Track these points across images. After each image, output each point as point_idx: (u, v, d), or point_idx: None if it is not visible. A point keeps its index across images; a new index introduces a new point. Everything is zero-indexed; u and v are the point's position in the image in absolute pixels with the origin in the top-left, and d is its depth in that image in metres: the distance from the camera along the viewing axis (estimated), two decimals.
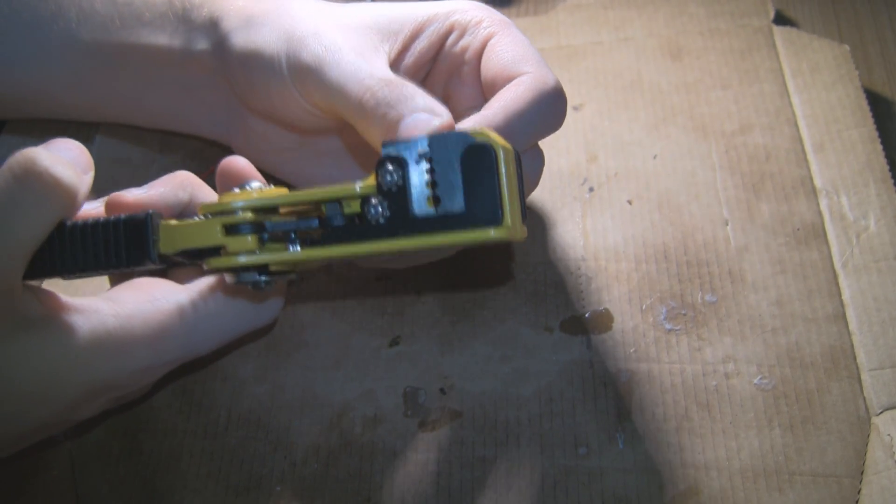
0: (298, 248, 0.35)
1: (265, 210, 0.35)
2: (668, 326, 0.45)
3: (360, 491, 0.42)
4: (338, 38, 0.41)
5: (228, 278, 0.36)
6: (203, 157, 0.53)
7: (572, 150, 0.52)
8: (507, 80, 0.41)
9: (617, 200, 0.50)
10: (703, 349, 0.44)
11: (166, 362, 0.39)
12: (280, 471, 0.43)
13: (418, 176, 0.33)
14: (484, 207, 0.33)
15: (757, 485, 0.40)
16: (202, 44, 0.46)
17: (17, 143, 0.55)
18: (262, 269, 0.36)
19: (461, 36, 0.44)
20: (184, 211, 0.41)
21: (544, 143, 0.52)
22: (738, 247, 0.47)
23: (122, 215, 0.36)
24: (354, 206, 0.34)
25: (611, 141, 0.52)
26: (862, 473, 0.40)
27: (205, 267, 0.36)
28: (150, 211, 0.36)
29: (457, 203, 0.33)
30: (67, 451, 0.44)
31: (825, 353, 0.44)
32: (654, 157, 0.51)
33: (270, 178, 0.51)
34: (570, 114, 0.53)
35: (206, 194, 0.42)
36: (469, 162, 0.33)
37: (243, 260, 0.35)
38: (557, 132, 0.52)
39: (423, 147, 0.33)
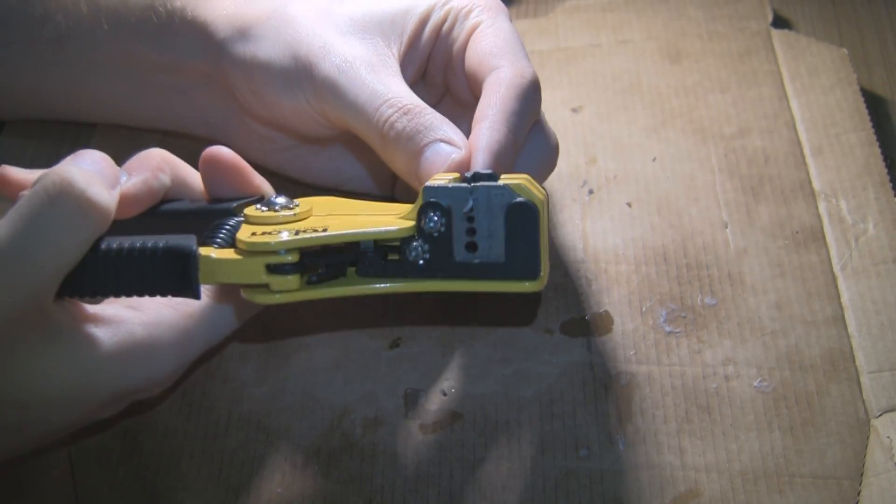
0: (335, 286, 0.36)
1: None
2: (667, 329, 0.45)
3: (362, 493, 0.42)
4: (348, 53, 0.41)
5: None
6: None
7: (571, 153, 0.52)
8: (485, 73, 0.41)
9: (616, 203, 0.50)
10: (703, 352, 0.44)
11: (190, 363, 0.39)
12: (281, 473, 0.43)
13: (460, 223, 0.35)
14: (523, 261, 0.34)
15: (757, 487, 0.40)
16: (193, 53, 0.46)
17: (16, 144, 0.55)
18: None
19: (452, 26, 0.44)
20: (166, 196, 0.41)
21: None
22: (738, 249, 0.48)
23: (162, 242, 0.35)
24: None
25: (610, 143, 0.52)
26: (862, 475, 0.40)
27: (243, 294, 0.37)
28: (195, 247, 0.35)
29: (497, 254, 0.35)
30: (67, 452, 0.44)
31: (824, 356, 0.44)
32: (654, 159, 0.51)
33: (272, 175, 0.51)
34: (569, 116, 0.53)
35: (187, 173, 0.42)
36: (511, 216, 0.34)
37: (285, 298, 0.36)
38: (557, 134, 0.53)
39: (467, 199, 0.34)
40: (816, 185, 0.49)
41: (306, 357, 0.46)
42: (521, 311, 0.47)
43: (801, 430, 0.42)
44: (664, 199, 0.50)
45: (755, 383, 0.43)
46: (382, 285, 0.36)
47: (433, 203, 0.34)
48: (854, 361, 0.43)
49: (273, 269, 0.35)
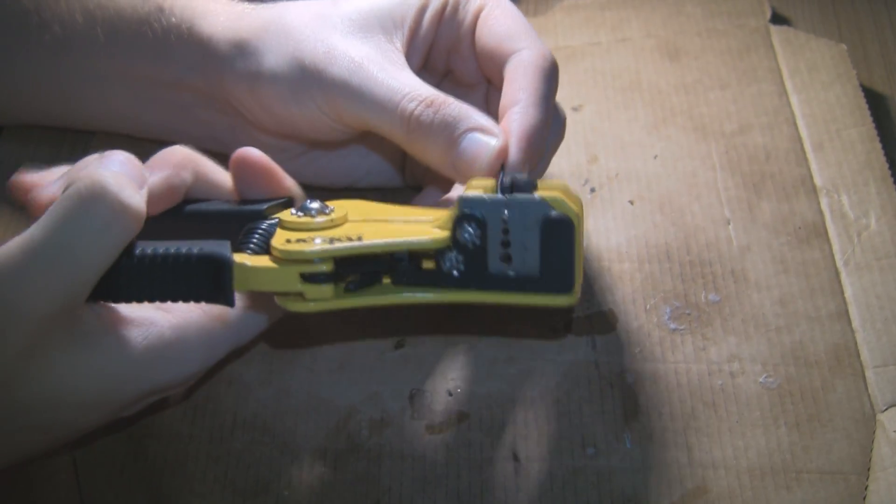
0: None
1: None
2: (672, 326, 0.45)
3: (369, 494, 0.42)
4: (353, 54, 0.40)
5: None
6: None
7: (573, 151, 0.52)
8: (505, 55, 0.41)
9: (618, 201, 0.50)
10: (708, 349, 0.44)
11: (215, 362, 0.39)
12: (287, 475, 0.43)
13: (495, 235, 0.34)
14: (557, 275, 0.34)
15: (765, 483, 0.40)
16: (192, 71, 0.45)
17: (15, 149, 0.55)
18: None
19: (455, 11, 0.44)
20: (188, 193, 0.41)
21: None
22: (741, 246, 0.48)
23: (196, 249, 0.35)
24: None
25: (611, 142, 0.52)
26: (868, 470, 0.40)
27: (277, 301, 0.37)
28: (230, 255, 0.35)
29: (532, 267, 0.35)
30: (72, 456, 0.44)
31: (829, 351, 0.44)
32: (655, 157, 0.51)
33: None
34: (569, 115, 0.53)
35: (215, 172, 0.41)
36: (546, 230, 0.34)
37: (320, 307, 0.36)
38: None
39: (503, 212, 0.34)
40: (818, 180, 0.49)
41: (311, 358, 0.46)
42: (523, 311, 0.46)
43: (807, 425, 0.42)
44: (666, 196, 0.50)
45: (760, 379, 0.43)
46: (418, 295, 0.36)
47: (469, 215, 0.34)
48: (859, 356, 0.44)
49: (308, 277, 0.35)
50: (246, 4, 0.45)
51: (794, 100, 0.53)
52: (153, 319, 0.36)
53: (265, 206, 0.40)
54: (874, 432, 0.41)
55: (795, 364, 0.44)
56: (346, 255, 0.35)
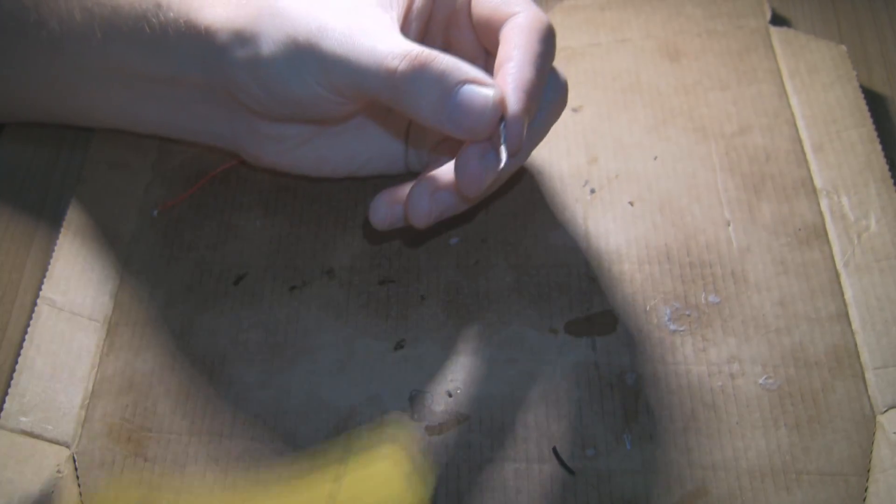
0: None
1: None
2: (672, 327, 0.45)
3: None
4: (346, 26, 0.40)
5: None
6: (204, 161, 0.53)
7: (573, 152, 0.52)
8: (501, 20, 0.41)
9: (618, 202, 0.50)
10: (708, 350, 0.44)
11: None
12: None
13: None
14: None
15: (765, 484, 0.40)
16: (192, 65, 0.45)
17: (15, 147, 0.55)
18: None
19: None
20: None
21: (543, 147, 0.52)
22: (741, 247, 0.48)
23: None
24: None
25: (611, 143, 0.52)
26: (868, 472, 0.40)
27: None
28: None
29: None
30: (71, 456, 0.44)
31: (829, 353, 0.44)
32: (655, 158, 0.51)
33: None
34: (569, 115, 0.53)
35: None
36: None
37: None
38: (558, 135, 0.53)
39: None
40: (818, 182, 0.49)
41: (310, 359, 0.46)
42: (526, 311, 0.47)
43: (807, 426, 0.42)
44: (666, 197, 0.50)
45: (760, 381, 0.43)
46: None
47: None
48: (859, 358, 0.44)
49: None
50: None
51: (794, 101, 0.53)
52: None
53: None
54: (874, 434, 0.41)
55: (795, 365, 0.44)
56: None
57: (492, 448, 0.42)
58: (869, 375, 0.43)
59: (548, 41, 0.41)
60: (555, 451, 0.42)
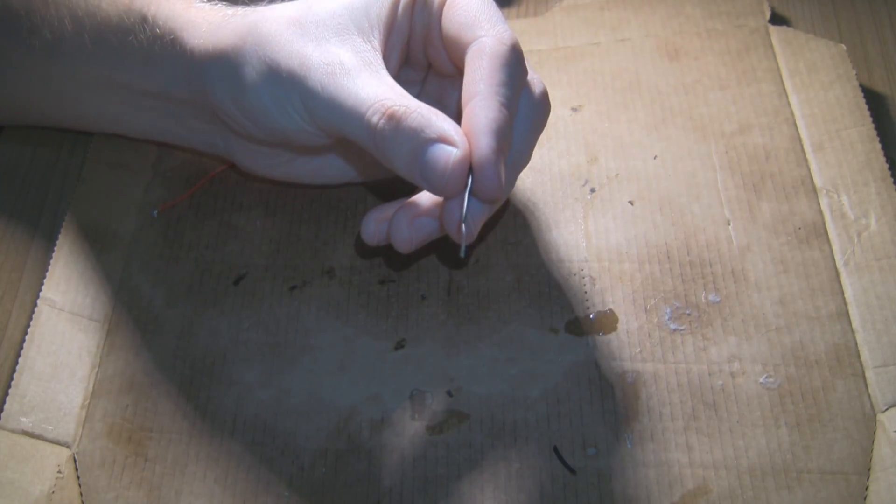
0: None
1: None
2: (672, 326, 0.45)
3: (370, 494, 0.42)
4: (328, 62, 0.40)
5: None
6: (203, 161, 0.53)
7: (573, 152, 0.52)
8: (465, 44, 0.41)
9: (618, 201, 0.50)
10: (709, 349, 0.44)
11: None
12: (288, 476, 0.43)
13: None
14: None
15: (765, 483, 0.40)
16: (177, 83, 0.45)
17: (14, 149, 0.55)
18: None
19: (425, 3, 0.43)
20: None
21: (543, 146, 0.52)
22: (741, 246, 0.48)
23: None
24: None
25: (611, 142, 0.52)
26: (869, 470, 0.40)
27: None
28: None
29: None
30: (72, 457, 0.44)
31: (829, 352, 0.44)
32: (655, 157, 0.51)
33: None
34: (569, 115, 0.53)
35: None
36: None
37: None
38: (558, 134, 0.53)
39: None
40: (818, 181, 0.49)
41: (311, 359, 0.46)
42: (526, 311, 0.47)
43: (807, 425, 0.42)
44: (666, 196, 0.50)
45: (761, 380, 0.43)
46: None
47: None
48: (859, 357, 0.44)
49: None
50: (227, 10, 0.45)
51: (793, 100, 0.53)
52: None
53: None
54: (874, 432, 0.41)
55: (796, 364, 0.44)
56: None
57: (492, 447, 0.42)
58: (869, 374, 0.43)
59: (511, 64, 0.40)
60: (555, 450, 0.42)
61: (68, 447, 0.44)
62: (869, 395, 0.43)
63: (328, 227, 0.50)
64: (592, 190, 0.50)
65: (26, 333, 0.47)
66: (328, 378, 0.45)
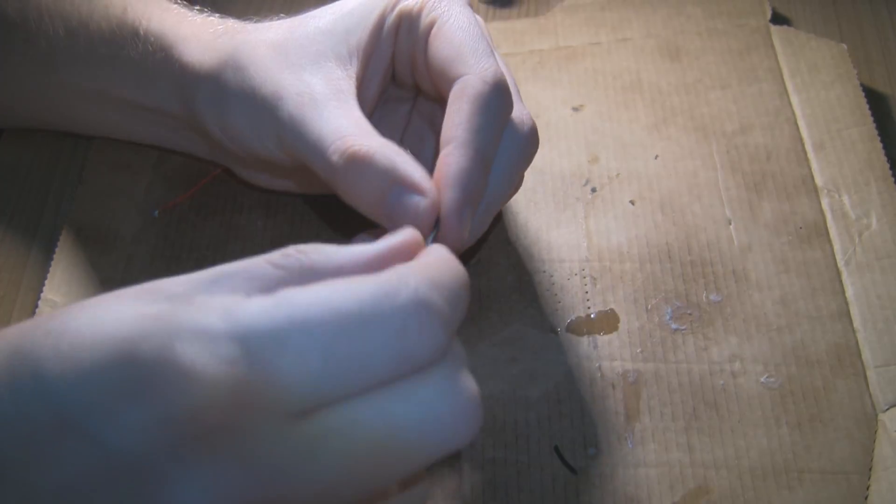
0: None
1: None
2: (673, 326, 0.45)
3: None
4: (299, 92, 0.39)
5: None
6: (204, 162, 0.53)
7: (573, 152, 0.52)
8: (450, 80, 0.40)
9: (619, 201, 0.50)
10: (710, 348, 0.44)
11: None
12: None
13: None
14: None
15: (766, 483, 0.40)
16: (170, 101, 0.45)
17: (15, 151, 0.55)
18: None
19: (409, 28, 0.42)
20: None
21: (544, 146, 0.52)
22: (742, 246, 0.48)
23: None
24: None
25: (612, 142, 0.52)
26: (870, 470, 0.40)
27: None
28: None
29: None
30: None
31: (830, 351, 0.44)
32: (656, 157, 0.51)
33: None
34: (570, 115, 0.53)
35: None
36: None
37: None
38: (559, 134, 0.53)
39: None
40: (819, 180, 0.49)
41: None
42: (527, 310, 0.47)
43: (808, 425, 0.42)
44: (667, 196, 0.50)
45: (762, 379, 0.43)
46: None
47: None
48: (860, 356, 0.44)
49: None
50: (218, 26, 0.45)
51: (794, 99, 0.53)
52: None
53: None
54: (876, 432, 0.41)
55: (797, 364, 0.44)
56: None
57: (493, 447, 0.42)
58: (870, 374, 0.43)
59: (493, 107, 0.39)
60: (556, 449, 0.42)
61: None
62: (870, 395, 0.42)
63: (329, 227, 0.50)
64: (593, 190, 0.50)
65: None
66: None
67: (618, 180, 0.51)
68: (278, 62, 0.41)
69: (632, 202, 0.50)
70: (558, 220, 0.50)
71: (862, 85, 0.52)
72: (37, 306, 0.47)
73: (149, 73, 0.45)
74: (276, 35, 0.42)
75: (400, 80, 0.45)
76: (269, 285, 0.29)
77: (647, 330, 0.45)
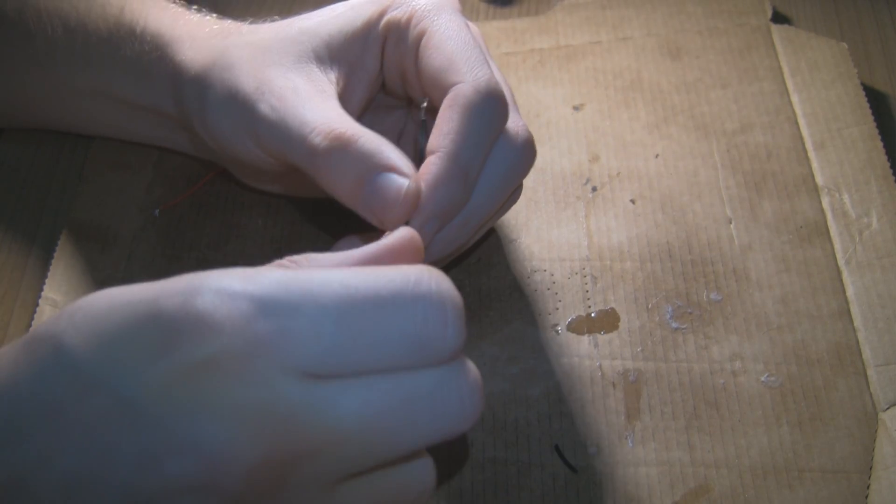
0: None
1: None
2: (674, 325, 0.45)
3: None
4: (280, 87, 0.39)
5: None
6: (205, 161, 0.53)
7: (574, 151, 0.52)
8: (444, 90, 0.39)
9: (620, 200, 0.50)
10: (710, 347, 0.44)
11: None
12: None
13: None
14: None
15: (767, 482, 0.40)
16: (165, 101, 0.45)
17: (15, 150, 0.55)
18: None
19: (397, 40, 0.42)
20: None
21: (545, 145, 0.52)
22: (742, 245, 0.48)
23: None
24: None
25: (612, 141, 0.52)
26: (871, 469, 0.40)
27: None
28: None
29: None
30: None
31: (831, 350, 0.44)
32: (656, 156, 0.51)
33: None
34: (571, 114, 0.53)
35: None
36: None
37: None
38: (560, 133, 0.53)
39: None
40: (819, 179, 0.49)
41: None
42: (528, 309, 0.47)
43: (809, 424, 0.42)
44: (668, 195, 0.50)
45: (762, 378, 0.43)
46: None
47: None
48: (861, 355, 0.44)
49: None
50: (213, 26, 0.45)
51: (795, 98, 0.53)
52: None
53: None
54: (876, 431, 0.41)
55: (797, 363, 0.44)
56: None
57: (494, 446, 0.42)
58: (871, 373, 0.43)
59: (485, 117, 0.38)
60: (557, 448, 0.42)
61: None
62: (870, 394, 0.42)
63: (330, 226, 0.50)
64: (594, 189, 0.50)
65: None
66: None
67: (618, 179, 0.51)
68: (262, 61, 0.41)
69: (632, 201, 0.50)
70: (559, 218, 0.50)
71: (862, 84, 0.52)
72: (37, 305, 0.47)
73: (145, 73, 0.45)
74: (263, 36, 0.42)
75: (391, 90, 0.45)
76: None
77: (648, 329, 0.45)
